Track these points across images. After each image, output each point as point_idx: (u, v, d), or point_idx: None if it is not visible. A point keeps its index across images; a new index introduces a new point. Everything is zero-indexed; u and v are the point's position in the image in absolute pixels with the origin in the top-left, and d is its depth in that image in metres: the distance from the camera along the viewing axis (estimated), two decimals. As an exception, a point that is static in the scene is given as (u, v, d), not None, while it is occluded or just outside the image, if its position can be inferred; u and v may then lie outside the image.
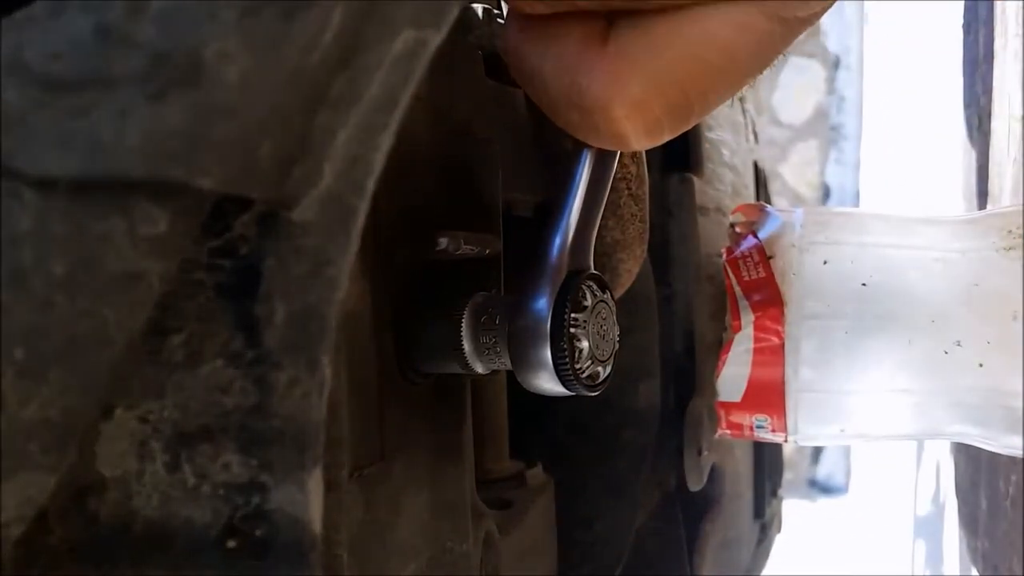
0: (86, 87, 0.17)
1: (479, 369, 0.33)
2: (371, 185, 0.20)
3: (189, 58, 0.17)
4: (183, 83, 0.17)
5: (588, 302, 0.31)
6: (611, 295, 0.34)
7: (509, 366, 0.32)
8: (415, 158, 0.34)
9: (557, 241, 0.32)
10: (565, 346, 0.30)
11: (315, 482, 0.20)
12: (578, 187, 0.33)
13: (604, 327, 0.32)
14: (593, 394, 0.31)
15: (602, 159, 0.34)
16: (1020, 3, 1.02)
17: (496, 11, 0.46)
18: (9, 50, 0.17)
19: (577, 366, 0.30)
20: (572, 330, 0.30)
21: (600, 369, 0.32)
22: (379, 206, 0.31)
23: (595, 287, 0.33)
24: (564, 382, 0.30)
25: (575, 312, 0.30)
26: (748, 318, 0.60)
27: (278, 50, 0.18)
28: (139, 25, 0.17)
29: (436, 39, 0.20)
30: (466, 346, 0.33)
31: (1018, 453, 0.58)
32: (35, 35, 0.17)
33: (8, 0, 0.18)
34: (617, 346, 0.33)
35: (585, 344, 0.31)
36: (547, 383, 0.31)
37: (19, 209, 0.17)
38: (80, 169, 0.17)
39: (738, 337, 0.60)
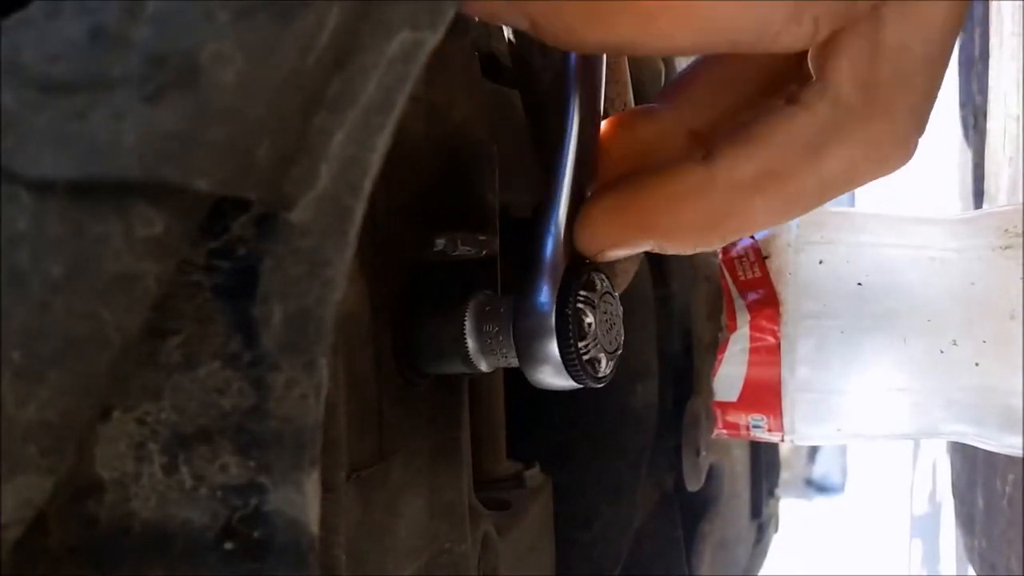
0: (83, 89, 0.17)
1: (483, 367, 0.33)
2: (368, 186, 0.20)
3: (185, 60, 0.17)
4: (179, 85, 0.17)
5: (597, 286, 0.31)
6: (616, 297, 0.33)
7: (514, 362, 0.32)
8: (412, 159, 0.34)
9: (551, 232, 0.31)
10: (571, 333, 0.29)
11: (313, 484, 0.20)
12: (566, 176, 0.31)
13: (610, 318, 0.32)
14: (598, 385, 0.31)
15: (584, 131, 0.32)
16: (1016, 2, 1.02)
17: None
18: (6, 52, 0.17)
19: (582, 344, 0.30)
20: (579, 306, 0.30)
21: (602, 356, 0.31)
22: (376, 207, 0.31)
23: (603, 277, 0.32)
24: (571, 371, 0.30)
25: (584, 290, 0.30)
26: (744, 318, 0.60)
27: (274, 51, 0.18)
28: (135, 27, 0.17)
29: (433, 40, 0.20)
30: (470, 344, 0.33)
31: (1015, 452, 0.58)
32: (32, 37, 0.17)
33: (4, 3, 0.18)
34: (621, 347, 0.33)
35: (591, 319, 0.30)
36: (553, 376, 0.30)
37: (16, 211, 0.17)
38: (77, 171, 0.17)
39: (734, 337, 0.60)
